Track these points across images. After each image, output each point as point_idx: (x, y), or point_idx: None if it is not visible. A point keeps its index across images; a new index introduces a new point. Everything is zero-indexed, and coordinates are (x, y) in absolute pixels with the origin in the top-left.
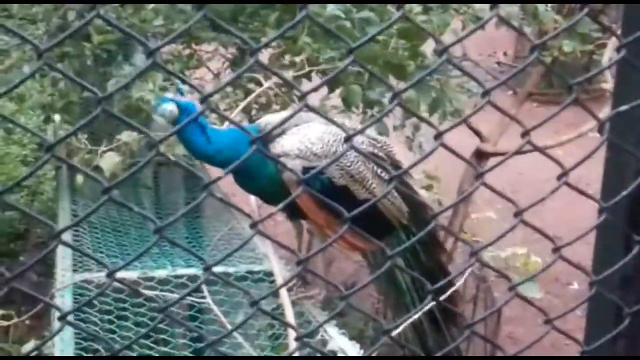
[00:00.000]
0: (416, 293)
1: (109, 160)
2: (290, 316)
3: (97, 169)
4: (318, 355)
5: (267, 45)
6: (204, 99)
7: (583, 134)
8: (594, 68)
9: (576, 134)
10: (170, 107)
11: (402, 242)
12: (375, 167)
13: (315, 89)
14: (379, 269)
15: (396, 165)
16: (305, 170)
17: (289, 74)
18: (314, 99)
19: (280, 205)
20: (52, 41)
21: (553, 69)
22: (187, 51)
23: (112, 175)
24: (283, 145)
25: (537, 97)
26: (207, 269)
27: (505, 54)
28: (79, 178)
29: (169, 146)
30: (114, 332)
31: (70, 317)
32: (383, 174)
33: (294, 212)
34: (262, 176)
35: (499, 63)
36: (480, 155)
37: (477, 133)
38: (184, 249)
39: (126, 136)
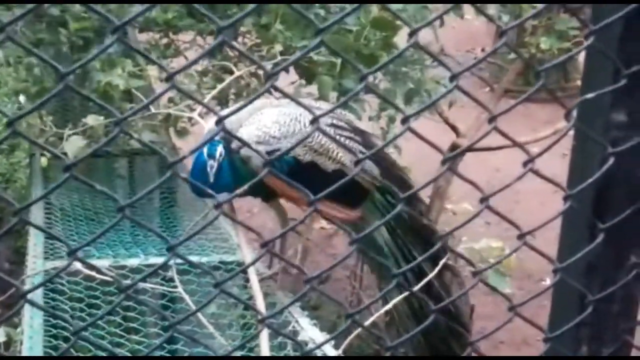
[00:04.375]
0: (400, 252)
1: (74, 144)
2: (261, 305)
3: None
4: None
5: (235, 22)
6: (168, 77)
7: (558, 130)
8: (571, 66)
9: (552, 131)
10: (220, 150)
11: (378, 202)
12: (337, 137)
13: (281, 70)
14: (363, 236)
15: (355, 129)
16: (269, 154)
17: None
18: (287, 90)
19: (245, 187)
20: (26, 23)
21: (523, 57)
22: (165, 40)
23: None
24: (241, 137)
25: (513, 94)
26: (170, 248)
27: (483, 50)
28: (43, 160)
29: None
30: (84, 320)
31: (36, 298)
32: (346, 141)
33: (268, 194)
34: (239, 179)
35: (476, 59)
36: (462, 151)
37: (454, 128)
38: (148, 229)
39: (92, 120)
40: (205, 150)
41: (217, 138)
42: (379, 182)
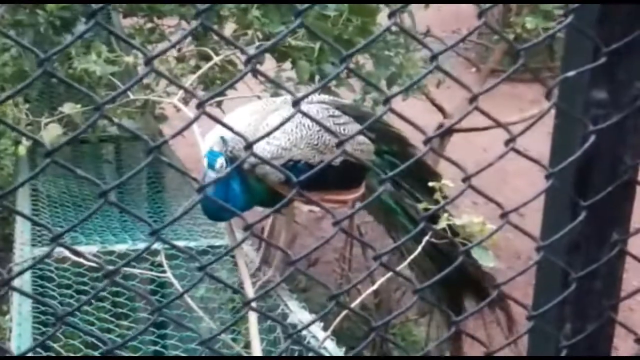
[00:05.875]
0: (405, 196)
1: (51, 132)
2: (249, 289)
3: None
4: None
5: (213, 6)
6: (148, 61)
7: (545, 110)
8: (557, 45)
9: (538, 110)
10: (220, 161)
11: (378, 165)
12: (337, 128)
13: (262, 52)
14: (375, 204)
15: (349, 109)
16: (284, 167)
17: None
18: (273, 75)
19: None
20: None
21: (503, 36)
22: (149, 25)
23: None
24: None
25: (500, 74)
26: (153, 233)
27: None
28: (21, 148)
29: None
30: (73, 306)
31: (24, 285)
32: (345, 130)
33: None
34: (254, 198)
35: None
36: (444, 132)
37: (441, 109)
38: (131, 214)
39: (69, 108)
40: (204, 161)
41: (217, 150)
42: (375, 150)
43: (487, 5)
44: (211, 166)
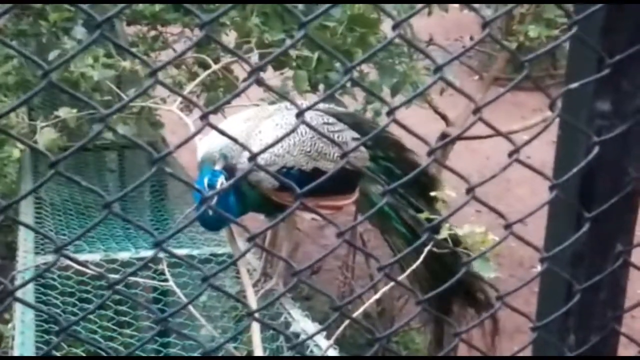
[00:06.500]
0: (398, 201)
1: (46, 136)
2: (251, 297)
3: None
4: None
5: (217, 18)
6: (152, 73)
7: (547, 118)
8: (560, 53)
9: (541, 118)
10: (221, 181)
11: (373, 170)
12: (332, 136)
13: (265, 64)
14: (370, 208)
15: (345, 117)
16: (277, 173)
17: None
18: (274, 83)
19: (280, 218)
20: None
21: (506, 47)
22: (152, 33)
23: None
24: (246, 163)
25: (503, 82)
26: (157, 244)
27: (471, 38)
28: (16, 151)
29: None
30: (75, 314)
31: (27, 293)
32: (339, 138)
33: (272, 210)
34: (247, 205)
35: (465, 47)
36: (447, 142)
37: (444, 117)
38: (134, 224)
39: (64, 112)
40: (205, 180)
41: (219, 168)
42: (370, 156)
43: (500, 11)
44: (213, 187)
